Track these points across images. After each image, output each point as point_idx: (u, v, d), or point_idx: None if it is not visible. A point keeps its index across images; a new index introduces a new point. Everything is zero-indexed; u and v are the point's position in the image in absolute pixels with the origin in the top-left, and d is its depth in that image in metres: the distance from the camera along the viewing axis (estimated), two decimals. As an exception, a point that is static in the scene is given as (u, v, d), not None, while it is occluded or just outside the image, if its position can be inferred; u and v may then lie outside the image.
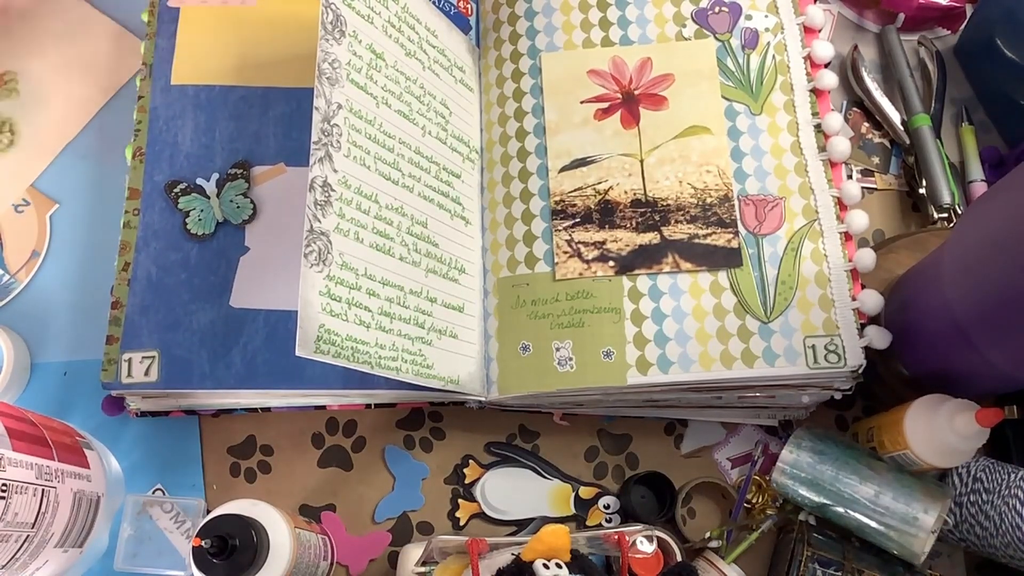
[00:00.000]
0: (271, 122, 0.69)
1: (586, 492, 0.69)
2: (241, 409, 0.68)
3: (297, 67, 0.70)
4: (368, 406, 0.69)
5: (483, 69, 0.73)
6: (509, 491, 0.69)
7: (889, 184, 0.77)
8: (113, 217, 0.68)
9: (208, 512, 0.63)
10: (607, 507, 0.69)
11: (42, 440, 0.58)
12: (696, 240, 0.65)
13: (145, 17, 0.72)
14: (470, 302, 0.66)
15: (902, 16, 0.79)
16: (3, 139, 0.76)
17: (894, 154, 0.78)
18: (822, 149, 0.66)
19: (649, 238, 0.65)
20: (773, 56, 0.69)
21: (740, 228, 0.65)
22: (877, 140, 0.78)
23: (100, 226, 0.74)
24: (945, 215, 0.73)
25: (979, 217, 0.54)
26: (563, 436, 0.71)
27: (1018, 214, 0.48)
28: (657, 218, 0.66)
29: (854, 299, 0.62)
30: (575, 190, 0.67)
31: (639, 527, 0.63)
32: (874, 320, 0.64)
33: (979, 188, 0.75)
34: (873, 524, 0.61)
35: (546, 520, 0.69)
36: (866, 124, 0.78)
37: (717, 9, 0.70)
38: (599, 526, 0.69)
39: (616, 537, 0.58)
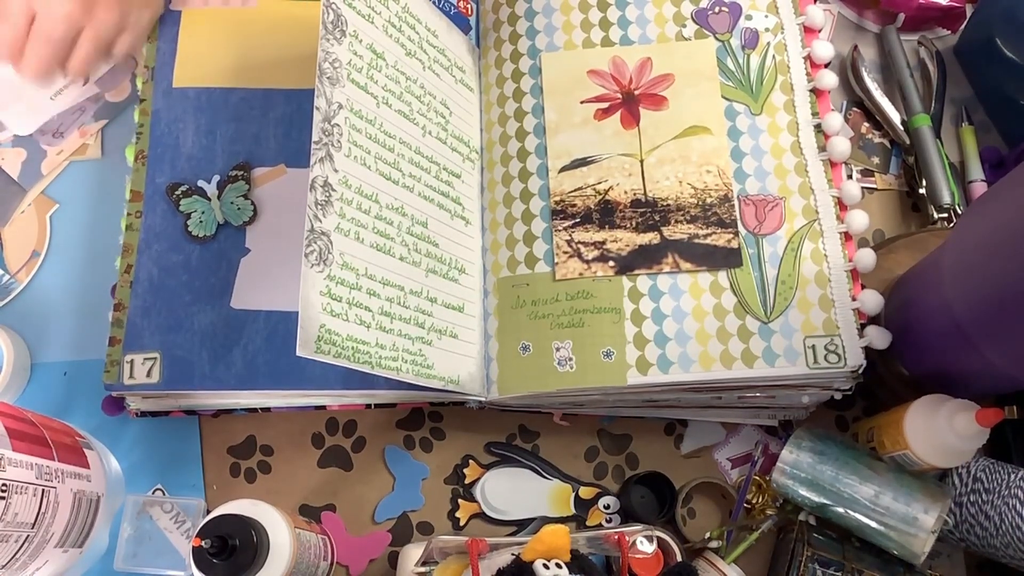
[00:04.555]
0: (271, 124, 0.69)
1: (586, 492, 0.69)
2: (241, 409, 0.68)
3: (297, 68, 0.70)
4: (368, 406, 0.69)
5: (483, 69, 0.73)
6: (509, 491, 0.69)
7: (889, 184, 0.77)
8: (112, 217, 0.68)
9: (208, 512, 0.63)
10: (607, 507, 0.69)
11: (42, 440, 0.58)
12: (696, 240, 0.65)
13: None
14: (470, 302, 0.66)
15: (902, 16, 0.79)
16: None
17: (894, 154, 0.78)
18: (822, 149, 0.66)
19: (649, 238, 0.65)
20: (773, 56, 0.69)
21: (740, 228, 0.65)
22: (877, 140, 0.78)
23: (99, 226, 0.74)
24: (945, 215, 0.73)
25: (979, 217, 0.54)
26: (563, 436, 0.71)
27: (1018, 214, 0.48)
28: (657, 218, 0.66)
29: (854, 299, 0.62)
30: (575, 190, 0.67)
31: (639, 527, 0.63)
32: (874, 320, 0.63)
33: (979, 188, 0.75)
34: (873, 524, 0.61)
35: (546, 520, 0.69)
36: (866, 124, 0.78)
37: (717, 9, 0.70)
38: (599, 526, 0.69)
39: (616, 537, 0.58)
